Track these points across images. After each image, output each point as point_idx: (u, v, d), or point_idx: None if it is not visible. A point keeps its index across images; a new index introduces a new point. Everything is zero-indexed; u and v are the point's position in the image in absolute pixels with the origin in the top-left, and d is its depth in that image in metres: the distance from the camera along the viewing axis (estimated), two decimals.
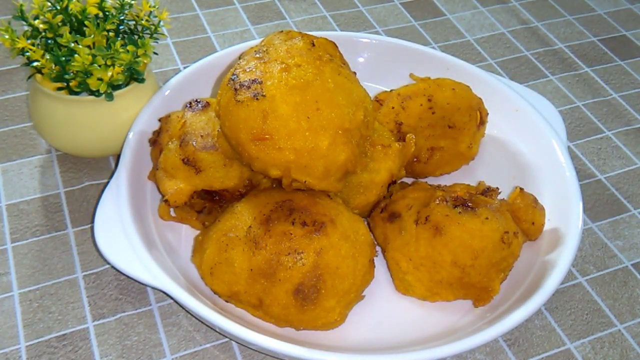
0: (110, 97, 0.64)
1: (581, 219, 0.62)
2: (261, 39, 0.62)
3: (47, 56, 0.62)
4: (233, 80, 0.55)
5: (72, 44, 0.62)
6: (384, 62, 0.81)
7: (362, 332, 0.58)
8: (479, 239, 0.56)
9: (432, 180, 0.70)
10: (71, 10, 0.65)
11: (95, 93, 0.64)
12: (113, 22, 0.65)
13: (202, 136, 0.61)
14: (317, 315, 0.55)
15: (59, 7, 0.65)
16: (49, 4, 0.65)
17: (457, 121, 0.68)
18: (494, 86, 0.76)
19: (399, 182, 0.67)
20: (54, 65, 0.62)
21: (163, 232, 0.64)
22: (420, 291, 0.60)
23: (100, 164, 0.73)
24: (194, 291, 0.57)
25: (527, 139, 0.73)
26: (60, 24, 0.64)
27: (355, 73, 0.60)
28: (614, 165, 0.79)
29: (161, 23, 0.69)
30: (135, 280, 0.59)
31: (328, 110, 0.53)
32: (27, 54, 0.63)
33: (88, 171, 0.72)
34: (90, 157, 0.73)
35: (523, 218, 0.61)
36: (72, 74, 0.63)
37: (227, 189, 0.62)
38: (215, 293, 0.58)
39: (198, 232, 0.64)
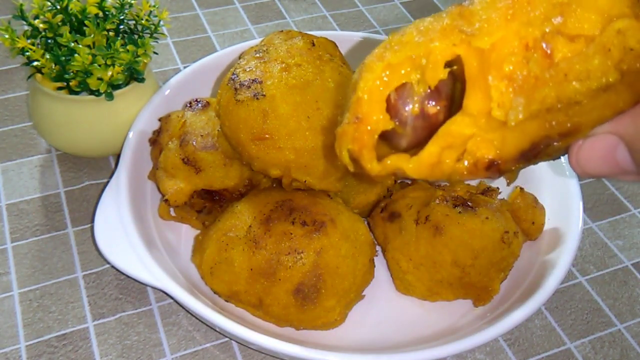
0: (110, 96, 0.64)
1: (581, 219, 0.62)
2: (261, 39, 0.62)
3: (47, 56, 0.62)
4: (233, 79, 0.55)
5: (72, 44, 0.62)
6: None
7: (362, 332, 0.58)
8: (479, 239, 0.56)
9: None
10: (71, 9, 0.65)
11: (95, 93, 0.64)
12: (113, 22, 0.65)
13: (202, 136, 0.61)
14: (317, 314, 0.55)
15: (59, 7, 0.65)
16: (49, 3, 0.65)
17: None
18: None
19: (399, 181, 0.67)
20: (54, 65, 0.62)
21: (163, 232, 0.64)
22: (420, 291, 0.60)
23: (100, 164, 0.73)
24: (194, 291, 0.57)
25: None
26: (60, 23, 0.64)
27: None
28: None
29: (161, 23, 0.69)
30: (135, 280, 0.59)
31: (328, 110, 0.53)
32: (27, 53, 0.63)
33: (88, 171, 0.72)
34: (90, 157, 0.73)
35: (523, 218, 0.61)
36: (72, 73, 0.63)
37: (227, 189, 0.62)
38: (215, 293, 0.58)
39: (198, 231, 0.64)
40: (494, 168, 0.30)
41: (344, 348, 0.56)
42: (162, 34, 0.70)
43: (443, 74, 0.30)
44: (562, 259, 0.58)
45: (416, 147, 0.31)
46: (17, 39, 0.62)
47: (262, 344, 0.51)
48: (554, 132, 0.29)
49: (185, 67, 0.77)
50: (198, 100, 0.64)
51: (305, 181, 0.55)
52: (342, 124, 0.32)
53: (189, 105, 0.64)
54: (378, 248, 0.63)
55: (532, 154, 0.30)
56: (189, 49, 0.90)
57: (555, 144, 0.30)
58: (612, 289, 0.66)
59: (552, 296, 0.60)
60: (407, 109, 0.31)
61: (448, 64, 0.30)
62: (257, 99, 0.53)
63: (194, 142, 0.60)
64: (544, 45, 0.28)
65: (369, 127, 0.31)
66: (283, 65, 0.55)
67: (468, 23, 0.30)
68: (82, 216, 0.68)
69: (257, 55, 0.57)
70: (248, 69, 0.55)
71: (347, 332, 0.58)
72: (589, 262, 0.68)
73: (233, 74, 0.56)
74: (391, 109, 0.31)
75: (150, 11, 0.68)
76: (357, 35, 0.84)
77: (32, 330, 0.59)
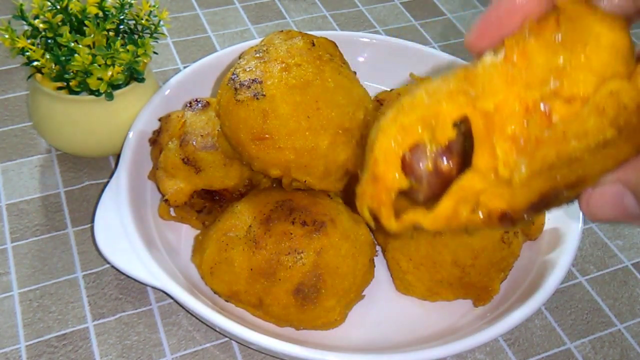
0: (110, 96, 0.64)
1: (581, 219, 0.62)
2: (261, 39, 0.62)
3: (47, 56, 0.62)
4: (233, 79, 0.55)
5: (72, 44, 0.62)
6: (384, 62, 0.81)
7: (362, 332, 0.58)
8: (479, 239, 0.56)
9: None
10: (71, 9, 0.65)
11: (95, 93, 0.64)
12: (113, 22, 0.65)
13: (202, 136, 0.61)
14: (317, 314, 0.55)
15: (59, 7, 0.65)
16: (49, 3, 0.65)
17: None
18: None
19: None
20: (54, 65, 0.62)
21: (163, 232, 0.64)
22: (421, 291, 0.60)
23: (100, 164, 0.73)
24: (194, 291, 0.57)
25: None
26: (60, 23, 0.64)
27: (355, 73, 0.60)
28: None
29: (161, 23, 0.69)
30: (135, 280, 0.59)
31: (328, 110, 0.53)
32: (27, 53, 0.63)
33: (88, 171, 0.72)
34: (90, 157, 0.73)
35: None
36: (72, 73, 0.63)
37: (227, 189, 0.62)
38: (215, 293, 0.58)
39: (198, 231, 0.64)
40: (507, 219, 0.32)
41: (344, 348, 0.56)
42: (162, 34, 0.70)
43: (451, 133, 0.32)
44: (562, 259, 0.58)
45: (433, 199, 0.33)
46: (17, 39, 0.62)
47: (262, 344, 0.51)
48: (560, 184, 0.31)
49: (185, 67, 0.77)
50: (198, 100, 0.64)
51: (305, 181, 0.55)
52: (361, 183, 0.34)
53: (189, 105, 0.64)
54: (378, 248, 0.63)
55: (542, 204, 0.31)
56: (189, 49, 0.90)
57: (564, 193, 0.31)
58: (612, 289, 0.66)
59: (552, 296, 0.60)
60: (421, 166, 0.33)
61: (457, 123, 0.32)
62: (257, 99, 0.53)
63: (194, 142, 0.60)
64: (542, 107, 0.30)
65: (386, 187, 0.33)
66: (283, 65, 0.55)
67: (472, 85, 0.31)
68: (82, 216, 0.68)
69: (257, 55, 0.57)
70: (248, 69, 0.55)
71: (347, 332, 0.58)
72: (589, 262, 0.68)
73: (233, 74, 0.56)
74: (406, 167, 0.33)
75: (150, 11, 0.68)
76: (357, 35, 0.84)
77: (32, 330, 0.59)
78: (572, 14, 0.30)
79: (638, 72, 0.29)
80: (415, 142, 0.32)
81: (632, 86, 0.29)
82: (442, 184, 0.33)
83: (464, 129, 0.32)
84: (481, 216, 0.32)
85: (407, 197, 0.34)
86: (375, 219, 0.34)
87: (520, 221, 0.32)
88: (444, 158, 0.32)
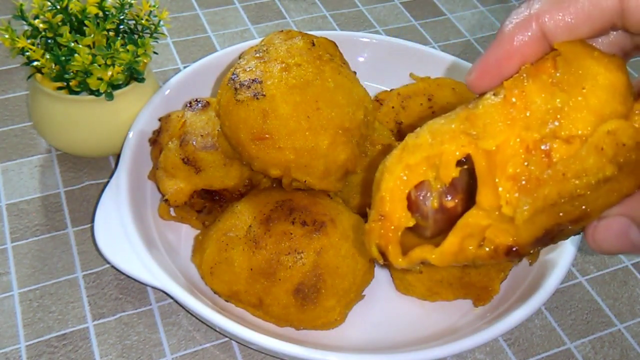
0: (110, 96, 0.64)
1: None
2: (261, 39, 0.62)
3: (47, 56, 0.62)
4: (233, 79, 0.55)
5: (72, 44, 0.62)
6: (384, 62, 0.81)
7: (362, 332, 0.58)
8: None
9: None
10: (71, 9, 0.65)
11: (95, 93, 0.64)
12: (113, 22, 0.65)
13: (202, 136, 0.61)
14: (317, 314, 0.55)
15: (58, 7, 0.65)
16: (49, 3, 0.65)
17: None
18: None
19: None
20: (54, 65, 0.62)
21: (163, 232, 0.64)
22: (420, 291, 0.60)
23: (100, 164, 0.73)
24: (194, 291, 0.57)
25: None
26: (60, 23, 0.64)
27: (355, 73, 0.60)
28: None
29: (161, 22, 0.69)
30: (135, 280, 0.59)
31: (328, 110, 0.53)
32: (27, 53, 0.63)
33: (88, 171, 0.72)
34: (90, 156, 0.73)
35: None
36: (72, 73, 0.63)
37: (227, 189, 0.62)
38: (215, 293, 0.58)
39: (198, 231, 0.64)
40: (513, 253, 0.32)
41: (344, 348, 0.56)
42: (162, 34, 0.70)
43: (455, 172, 0.33)
44: (562, 259, 0.58)
45: (440, 234, 0.34)
46: (17, 39, 0.62)
47: (262, 344, 0.51)
48: (564, 220, 0.31)
49: (185, 67, 0.77)
50: (198, 100, 0.64)
51: (305, 181, 0.55)
52: (369, 221, 0.34)
53: (189, 105, 0.64)
54: None
55: (548, 238, 0.32)
56: (189, 49, 0.90)
57: (569, 227, 0.32)
58: (612, 289, 0.66)
59: (552, 296, 0.60)
60: (426, 204, 0.34)
61: (461, 161, 0.33)
62: (257, 99, 0.53)
63: (194, 142, 0.60)
64: (542, 147, 0.31)
65: (393, 225, 0.34)
66: (283, 65, 0.55)
67: (473, 126, 0.32)
68: (82, 216, 0.68)
69: (257, 55, 0.57)
70: (248, 69, 0.55)
71: (347, 332, 0.58)
72: (589, 262, 0.68)
73: (233, 74, 0.56)
74: (412, 204, 0.34)
75: (150, 11, 0.68)
76: (357, 35, 0.84)
77: (32, 330, 0.59)
78: (569, 55, 0.31)
79: (636, 110, 0.30)
80: (420, 181, 0.33)
81: (629, 124, 0.29)
82: (448, 220, 0.33)
83: (467, 167, 0.33)
84: (487, 250, 0.33)
85: (415, 233, 0.35)
86: (384, 255, 0.35)
87: (527, 255, 0.33)
88: (449, 196, 0.33)
